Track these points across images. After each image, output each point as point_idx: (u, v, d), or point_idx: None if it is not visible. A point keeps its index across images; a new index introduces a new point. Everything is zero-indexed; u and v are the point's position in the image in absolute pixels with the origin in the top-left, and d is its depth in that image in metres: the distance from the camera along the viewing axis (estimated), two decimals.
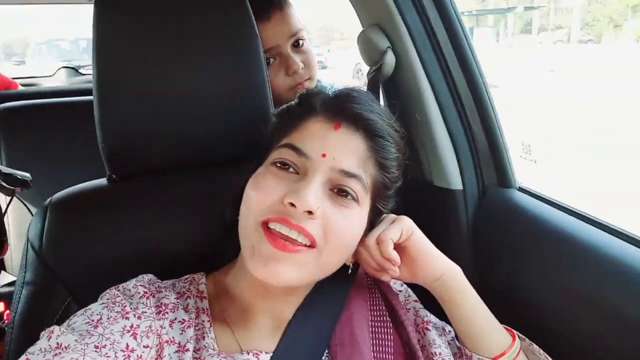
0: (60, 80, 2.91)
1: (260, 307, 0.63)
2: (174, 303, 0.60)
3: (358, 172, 0.59)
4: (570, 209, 0.83)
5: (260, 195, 0.58)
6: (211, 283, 0.66)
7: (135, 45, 0.71)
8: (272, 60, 1.05)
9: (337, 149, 0.58)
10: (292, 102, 0.66)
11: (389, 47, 0.95)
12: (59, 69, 3.00)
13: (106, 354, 0.51)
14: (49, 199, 0.76)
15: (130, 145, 0.73)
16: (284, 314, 0.63)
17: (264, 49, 0.80)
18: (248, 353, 0.59)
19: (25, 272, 0.72)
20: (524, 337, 0.68)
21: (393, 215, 0.66)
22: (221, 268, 0.68)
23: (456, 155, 0.94)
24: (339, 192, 0.58)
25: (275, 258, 0.55)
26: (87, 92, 1.92)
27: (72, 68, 3.02)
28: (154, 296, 0.60)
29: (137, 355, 0.53)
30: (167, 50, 0.72)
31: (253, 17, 0.76)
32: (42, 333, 0.53)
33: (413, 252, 0.64)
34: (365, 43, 0.99)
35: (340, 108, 0.61)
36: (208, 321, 0.61)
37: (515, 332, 0.67)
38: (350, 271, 0.66)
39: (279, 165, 0.59)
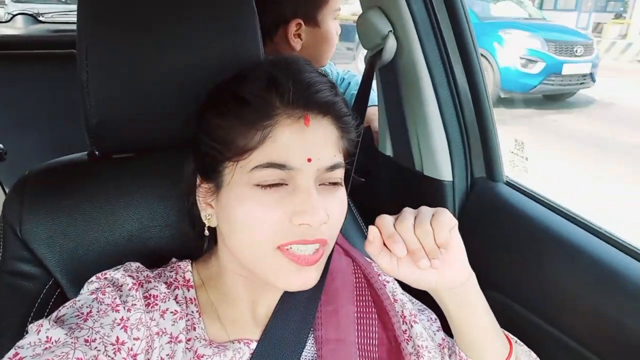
0: (17, 28, 2.68)
1: (247, 296, 0.63)
2: (164, 293, 0.59)
3: (338, 160, 0.57)
4: (556, 206, 0.86)
5: (263, 222, 0.54)
6: (196, 271, 0.64)
7: (123, 14, 0.67)
8: None
9: (317, 147, 0.55)
10: (241, 104, 0.56)
11: (391, 31, 0.93)
12: (15, 15, 2.76)
13: (96, 347, 0.50)
14: (26, 173, 0.71)
15: (116, 121, 0.69)
16: (271, 300, 0.63)
17: None
18: (239, 342, 0.59)
19: (2, 251, 0.68)
20: (516, 339, 0.66)
21: (428, 207, 0.59)
22: (203, 255, 0.67)
23: (448, 147, 0.94)
24: (329, 183, 0.58)
25: (304, 272, 0.56)
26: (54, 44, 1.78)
27: (31, 15, 2.79)
28: (142, 286, 0.59)
29: (128, 348, 0.52)
30: (154, 23, 0.67)
31: None
32: (30, 326, 0.51)
33: (453, 246, 0.58)
34: (365, 26, 0.96)
35: (306, 100, 0.55)
36: (197, 311, 0.60)
37: (509, 336, 0.65)
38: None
39: (267, 186, 0.55)
